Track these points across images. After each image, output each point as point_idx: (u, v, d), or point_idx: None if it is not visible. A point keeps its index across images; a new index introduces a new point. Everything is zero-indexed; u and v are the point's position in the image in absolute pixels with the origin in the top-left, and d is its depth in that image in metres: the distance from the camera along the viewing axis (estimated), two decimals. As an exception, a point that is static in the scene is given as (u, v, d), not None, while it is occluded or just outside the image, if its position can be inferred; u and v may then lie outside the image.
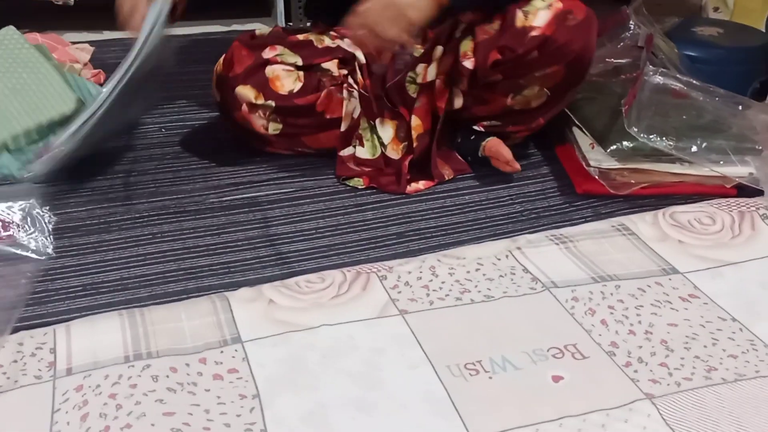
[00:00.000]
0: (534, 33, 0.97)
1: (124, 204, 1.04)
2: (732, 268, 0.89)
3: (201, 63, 1.54)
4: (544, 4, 0.98)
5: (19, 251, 0.88)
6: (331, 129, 1.10)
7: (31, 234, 0.91)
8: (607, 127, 1.06)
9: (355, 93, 1.09)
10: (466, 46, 1.04)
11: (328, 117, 1.08)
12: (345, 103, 1.09)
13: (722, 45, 1.29)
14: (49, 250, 0.89)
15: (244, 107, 1.06)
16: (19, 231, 0.88)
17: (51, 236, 0.93)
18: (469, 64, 1.03)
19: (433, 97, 1.07)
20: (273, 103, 1.05)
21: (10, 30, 1.26)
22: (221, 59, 1.10)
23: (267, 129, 1.08)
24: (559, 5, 0.98)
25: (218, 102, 1.12)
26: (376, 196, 1.07)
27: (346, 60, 1.10)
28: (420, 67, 1.07)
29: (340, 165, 1.11)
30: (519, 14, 0.98)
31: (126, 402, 0.68)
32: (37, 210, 0.94)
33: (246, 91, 1.05)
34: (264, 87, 1.05)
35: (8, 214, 0.92)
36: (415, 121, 1.08)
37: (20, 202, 0.94)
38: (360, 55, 1.09)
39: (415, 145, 1.08)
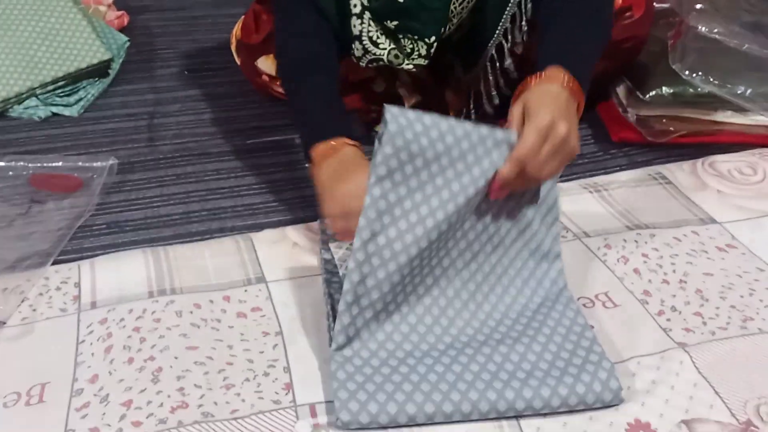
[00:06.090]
0: None
1: (147, 145, 1.03)
2: (773, 219, 0.86)
3: (224, 6, 1.51)
4: None
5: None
6: (354, 93, 1.04)
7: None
8: (647, 72, 1.01)
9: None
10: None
11: (351, 80, 1.02)
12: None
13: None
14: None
15: (264, 77, 1.02)
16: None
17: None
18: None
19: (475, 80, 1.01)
20: None
21: (37, -30, 1.24)
22: (240, 21, 1.04)
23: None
24: (619, 1, 0.92)
25: (239, 64, 1.08)
26: (403, 141, 1.04)
27: None
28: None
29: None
30: None
31: (150, 335, 0.68)
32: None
33: (267, 63, 1.00)
34: None
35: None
36: (450, 97, 1.03)
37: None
38: None
39: None
